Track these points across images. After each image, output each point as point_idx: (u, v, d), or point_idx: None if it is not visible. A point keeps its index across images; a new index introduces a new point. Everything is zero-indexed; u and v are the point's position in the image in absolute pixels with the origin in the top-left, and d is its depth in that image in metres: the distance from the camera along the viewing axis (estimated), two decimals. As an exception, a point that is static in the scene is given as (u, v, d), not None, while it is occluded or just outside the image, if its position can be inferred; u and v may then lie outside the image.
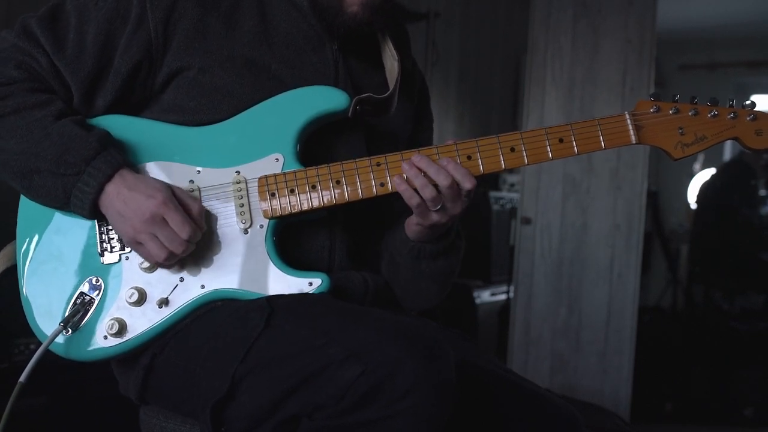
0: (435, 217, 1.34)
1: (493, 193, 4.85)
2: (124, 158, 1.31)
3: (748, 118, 1.38)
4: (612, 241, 3.58)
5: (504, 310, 4.43)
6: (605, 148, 1.38)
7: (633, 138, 1.37)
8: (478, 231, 4.80)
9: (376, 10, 1.40)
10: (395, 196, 1.35)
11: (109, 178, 1.28)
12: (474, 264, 4.77)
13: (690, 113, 1.38)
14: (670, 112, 1.39)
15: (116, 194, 1.27)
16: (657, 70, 3.69)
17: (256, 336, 1.19)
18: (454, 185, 1.31)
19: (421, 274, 1.45)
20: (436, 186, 1.31)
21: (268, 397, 1.15)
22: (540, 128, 1.37)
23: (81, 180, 1.27)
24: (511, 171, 5.38)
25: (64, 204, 1.30)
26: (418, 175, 1.31)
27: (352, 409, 1.07)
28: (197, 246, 1.32)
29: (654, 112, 1.39)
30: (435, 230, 1.39)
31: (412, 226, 1.40)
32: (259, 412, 1.16)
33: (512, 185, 5.05)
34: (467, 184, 1.31)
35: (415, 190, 1.32)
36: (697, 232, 5.68)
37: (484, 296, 4.61)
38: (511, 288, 3.96)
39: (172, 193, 1.29)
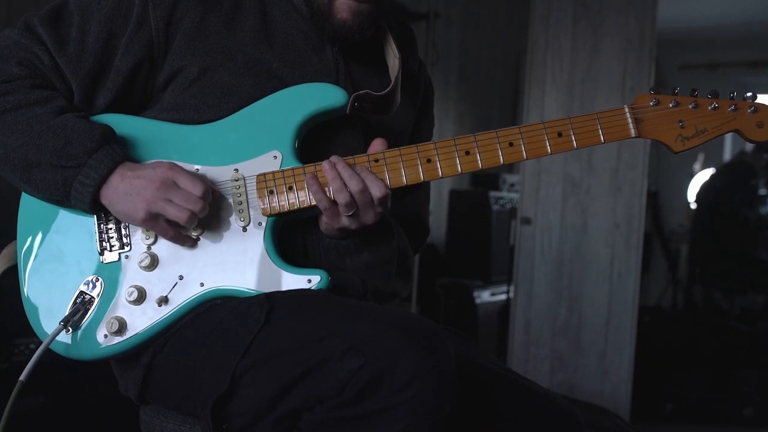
0: (345, 222, 1.32)
1: (493, 193, 4.86)
2: (125, 153, 1.31)
3: (749, 110, 1.37)
4: (612, 241, 3.58)
5: (504, 310, 4.43)
6: (604, 142, 1.37)
7: (632, 131, 1.37)
8: (478, 231, 4.81)
9: (367, 18, 1.40)
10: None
11: (110, 171, 1.28)
12: (474, 264, 4.78)
13: (690, 106, 1.37)
14: (670, 105, 1.37)
15: (120, 179, 1.27)
16: (657, 70, 3.69)
17: (256, 332, 1.20)
18: (366, 191, 1.29)
19: (351, 269, 1.40)
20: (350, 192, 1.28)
21: (269, 392, 1.15)
22: (539, 123, 1.37)
23: (82, 172, 1.27)
24: (510, 171, 5.38)
25: (64, 197, 1.30)
26: (336, 178, 1.29)
27: (353, 401, 1.08)
28: (197, 244, 1.33)
29: (653, 105, 1.38)
30: (344, 232, 1.36)
31: (322, 223, 1.36)
32: (260, 407, 1.16)
33: (512, 185, 5.05)
34: (376, 191, 1.29)
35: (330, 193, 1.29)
36: (697, 232, 5.68)
37: (484, 296, 4.61)
38: (511, 288, 3.97)
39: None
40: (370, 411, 1.07)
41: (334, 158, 1.31)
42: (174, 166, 1.28)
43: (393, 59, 1.47)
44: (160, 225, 1.29)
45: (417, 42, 1.64)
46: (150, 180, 1.26)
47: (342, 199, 1.28)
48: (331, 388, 1.09)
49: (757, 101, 1.38)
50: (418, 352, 1.08)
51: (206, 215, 1.31)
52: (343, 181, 1.28)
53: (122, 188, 1.27)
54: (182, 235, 1.31)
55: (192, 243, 1.33)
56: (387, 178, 1.33)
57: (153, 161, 1.32)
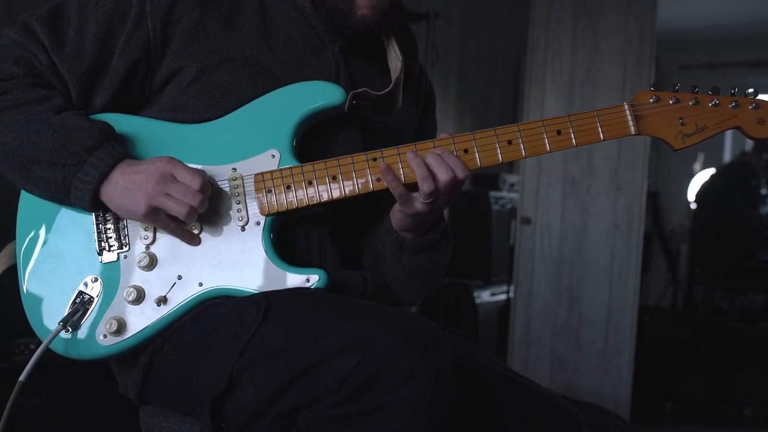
0: (419, 207, 1.33)
1: (493, 193, 4.85)
2: (125, 150, 1.31)
3: (750, 107, 1.36)
4: (612, 241, 3.58)
5: (504, 310, 4.43)
6: (604, 140, 1.36)
7: (632, 129, 1.35)
8: (478, 231, 4.81)
9: (385, 14, 1.40)
10: (391, 193, 1.35)
11: (111, 168, 1.28)
12: (474, 264, 4.77)
13: (691, 103, 1.36)
14: (670, 101, 1.36)
15: (120, 175, 1.27)
16: (657, 70, 3.69)
17: (253, 330, 1.20)
18: (455, 178, 1.30)
19: (401, 269, 1.43)
20: (434, 179, 1.30)
21: (267, 390, 1.15)
22: (537, 120, 1.36)
23: (82, 170, 1.27)
24: (510, 171, 5.38)
25: (64, 195, 1.30)
26: (421, 166, 1.30)
27: (349, 399, 1.08)
28: (197, 242, 1.33)
29: (653, 102, 1.36)
30: (418, 220, 1.37)
31: (395, 213, 1.38)
32: (258, 406, 1.16)
33: (512, 185, 5.04)
34: (460, 173, 1.30)
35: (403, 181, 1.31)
36: (697, 232, 5.68)
37: (484, 296, 4.61)
38: (511, 288, 3.96)
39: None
40: (366, 408, 1.07)
41: (438, 150, 1.32)
42: (173, 160, 1.28)
43: (395, 61, 1.47)
44: (161, 219, 1.30)
45: (417, 44, 1.64)
46: (150, 174, 1.26)
47: (427, 187, 1.29)
48: (329, 386, 1.09)
49: (758, 98, 1.37)
50: (416, 350, 1.08)
51: (205, 213, 1.31)
52: (429, 170, 1.30)
53: (122, 183, 1.27)
54: (183, 229, 1.32)
55: (193, 238, 1.33)
56: None
57: (152, 157, 1.31)
